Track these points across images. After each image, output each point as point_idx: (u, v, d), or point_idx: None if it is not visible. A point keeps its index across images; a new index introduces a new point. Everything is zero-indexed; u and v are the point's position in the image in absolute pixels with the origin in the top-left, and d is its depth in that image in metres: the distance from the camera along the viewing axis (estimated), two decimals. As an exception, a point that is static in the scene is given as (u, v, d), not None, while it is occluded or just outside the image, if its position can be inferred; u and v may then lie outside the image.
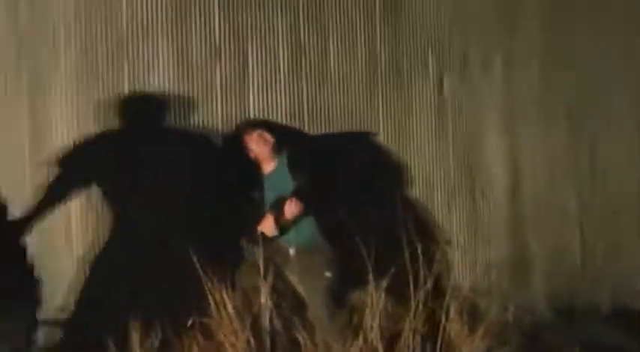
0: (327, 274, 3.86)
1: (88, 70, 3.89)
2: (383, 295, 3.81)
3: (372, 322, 3.74)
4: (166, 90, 4.04)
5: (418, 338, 3.77)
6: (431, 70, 4.84)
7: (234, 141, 4.11)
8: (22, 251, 3.70)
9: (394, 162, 4.67)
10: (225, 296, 3.73)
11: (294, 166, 3.95)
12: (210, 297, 3.72)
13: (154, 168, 3.96)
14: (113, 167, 3.89)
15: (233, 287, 3.82)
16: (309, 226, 3.91)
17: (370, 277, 3.77)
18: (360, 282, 3.88)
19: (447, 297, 3.95)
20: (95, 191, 3.85)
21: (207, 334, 3.74)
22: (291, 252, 3.93)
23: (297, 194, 3.84)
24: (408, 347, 3.74)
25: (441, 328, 3.83)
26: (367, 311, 3.79)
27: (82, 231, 3.83)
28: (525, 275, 5.05)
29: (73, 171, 3.83)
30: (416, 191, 4.76)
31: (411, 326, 3.77)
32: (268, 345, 3.79)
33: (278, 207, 3.84)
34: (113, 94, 3.94)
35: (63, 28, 3.84)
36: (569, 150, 5.38)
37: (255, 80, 4.29)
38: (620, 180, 5.54)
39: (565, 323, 4.85)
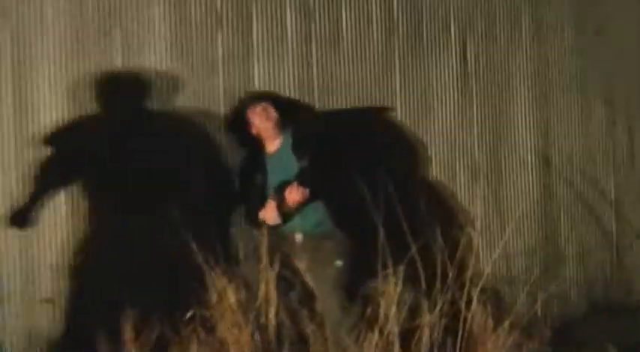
0: (338, 263, 3.83)
1: (76, 44, 3.88)
2: (400, 284, 3.81)
3: (388, 313, 3.74)
4: (163, 63, 4.03)
5: (439, 331, 3.78)
6: (453, 37, 4.82)
7: (237, 117, 4.06)
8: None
9: (412, 140, 4.64)
10: (227, 287, 3.75)
11: (298, 146, 3.91)
12: (211, 288, 3.73)
13: (147, 152, 3.94)
14: (103, 153, 3.88)
15: (236, 277, 3.79)
16: (316, 211, 3.87)
17: (386, 265, 3.76)
18: (375, 271, 3.86)
19: (470, 287, 3.93)
20: (83, 178, 3.85)
21: (209, 328, 3.75)
22: (298, 238, 3.89)
23: (300, 178, 3.80)
24: (428, 341, 3.76)
25: (463, 320, 3.83)
26: (382, 301, 3.79)
27: (70, 218, 3.84)
28: (556, 264, 5.04)
29: (60, 157, 3.82)
30: (436, 172, 4.73)
31: (431, 318, 3.78)
32: (274, 340, 3.76)
33: (281, 193, 3.81)
34: (104, 71, 3.92)
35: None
36: (605, 128, 5.38)
37: (260, 49, 4.27)
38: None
39: (599, 315, 4.86)
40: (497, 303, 4.16)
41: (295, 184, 3.77)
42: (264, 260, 3.78)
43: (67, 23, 3.86)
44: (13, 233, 3.76)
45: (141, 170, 3.92)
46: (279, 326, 3.78)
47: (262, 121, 3.96)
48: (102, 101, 3.91)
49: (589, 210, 5.22)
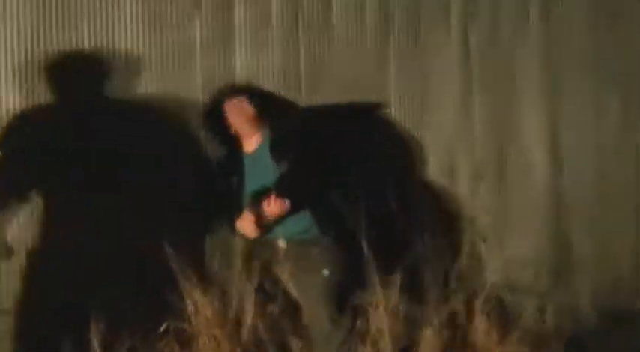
0: (325, 271, 3.77)
1: (39, 25, 3.78)
2: (396, 294, 3.78)
3: (382, 325, 3.74)
4: (134, 48, 3.95)
5: (438, 346, 3.81)
6: (453, 21, 4.80)
7: (214, 111, 3.97)
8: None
9: (407, 138, 4.60)
10: (204, 297, 3.70)
11: (276, 148, 3.84)
12: (187, 298, 3.68)
13: (115, 145, 3.87)
14: (67, 144, 3.79)
15: (212, 286, 3.75)
16: (300, 219, 3.81)
17: (379, 273, 3.74)
18: (367, 281, 3.82)
19: (473, 297, 3.97)
20: (45, 173, 3.77)
21: (184, 341, 3.71)
22: (281, 244, 3.82)
23: (279, 187, 3.73)
24: (427, 355, 3.78)
25: (466, 333, 3.89)
26: (375, 312, 3.77)
27: (30, 219, 3.74)
28: (567, 272, 5.04)
29: (18, 150, 3.74)
30: (435, 173, 4.69)
31: (430, 331, 3.79)
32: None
33: (258, 203, 3.74)
34: (69, 54, 3.83)
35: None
36: (621, 123, 5.39)
37: (242, 35, 4.20)
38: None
39: (614, 327, 4.85)
40: (502, 315, 4.16)
41: (273, 196, 3.68)
42: (240, 269, 3.74)
43: (28, 4, 3.75)
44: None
45: (111, 166, 3.84)
46: (259, 341, 3.73)
47: (235, 117, 3.88)
48: (65, 85, 3.83)
49: (603, 215, 5.26)
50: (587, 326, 4.83)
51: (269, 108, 3.99)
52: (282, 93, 4.25)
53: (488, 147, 4.86)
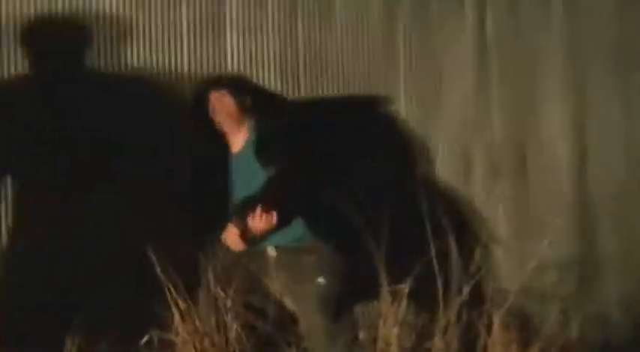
0: (320, 280, 3.70)
1: None
2: (403, 303, 3.72)
3: (390, 338, 3.70)
4: (114, 29, 3.88)
5: None
6: (467, 9, 4.79)
7: (200, 103, 3.89)
8: None
9: (415, 133, 4.56)
10: (191, 306, 3.63)
11: (262, 148, 3.78)
12: (172, 308, 3.60)
13: (91, 130, 3.79)
14: (37, 130, 3.70)
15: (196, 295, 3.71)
16: (292, 228, 3.77)
17: (385, 281, 3.70)
18: (371, 290, 3.80)
19: (491, 306, 3.90)
20: (13, 163, 3.72)
21: None
22: (271, 252, 3.76)
23: (265, 193, 3.70)
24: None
25: (483, 346, 3.81)
26: (382, 323, 3.71)
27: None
28: (593, 276, 5.02)
29: None
30: (448, 170, 4.65)
31: (443, 343, 3.74)
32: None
33: (243, 214, 3.69)
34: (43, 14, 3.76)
35: None
36: None
37: (234, 17, 4.15)
38: None
39: None
40: (523, 325, 4.08)
41: (258, 210, 3.64)
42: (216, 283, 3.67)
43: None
44: None
45: (85, 154, 3.77)
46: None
47: (216, 112, 3.80)
48: (38, 51, 3.77)
49: (631, 213, 5.26)
50: (616, 335, 4.83)
51: (257, 103, 3.93)
52: (279, 84, 4.21)
53: (507, 143, 4.83)
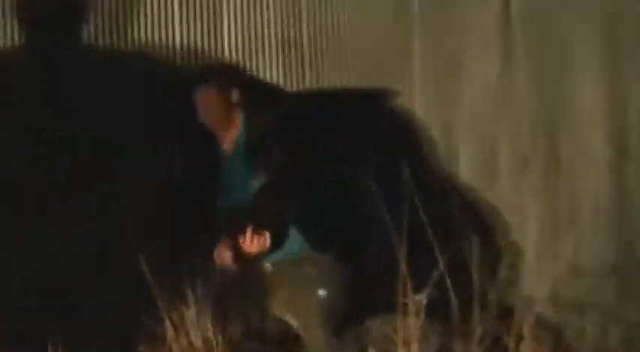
0: (321, 293, 3.68)
1: None
2: (422, 316, 3.63)
3: None
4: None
5: None
6: None
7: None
8: None
9: (426, 123, 4.43)
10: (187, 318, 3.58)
11: (253, 151, 3.73)
12: (166, 320, 3.56)
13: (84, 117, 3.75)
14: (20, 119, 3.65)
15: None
16: (290, 242, 3.72)
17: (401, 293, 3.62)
18: (379, 301, 3.73)
19: (520, 317, 3.80)
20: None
21: None
22: (267, 267, 3.76)
23: (257, 209, 3.64)
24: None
25: None
26: (398, 338, 3.64)
27: None
28: (634, 283, 4.86)
29: None
30: (469, 164, 4.56)
31: None
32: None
33: (233, 235, 3.66)
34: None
35: None
36: None
37: None
38: None
39: None
40: (555, 337, 4.13)
41: (249, 232, 3.59)
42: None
43: None
44: None
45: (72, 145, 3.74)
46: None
47: (202, 114, 3.75)
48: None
49: None
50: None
51: (248, 96, 3.86)
52: (281, 69, 4.13)
53: (535, 134, 4.71)
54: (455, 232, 3.95)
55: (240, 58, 4.06)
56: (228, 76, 3.94)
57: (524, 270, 4.54)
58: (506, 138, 4.67)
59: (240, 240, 3.64)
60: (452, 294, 3.68)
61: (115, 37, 3.90)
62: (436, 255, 3.71)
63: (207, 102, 3.77)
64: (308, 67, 4.23)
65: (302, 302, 3.72)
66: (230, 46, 4.04)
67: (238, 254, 3.68)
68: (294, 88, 4.20)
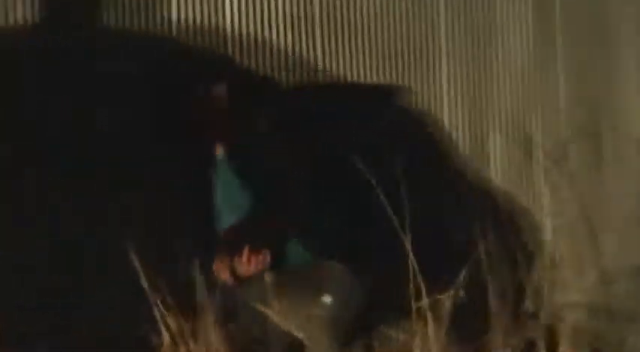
0: (326, 300, 3.63)
1: None
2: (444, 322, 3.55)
3: None
4: None
5: None
6: None
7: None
8: None
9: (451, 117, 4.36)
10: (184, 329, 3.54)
11: (242, 161, 3.77)
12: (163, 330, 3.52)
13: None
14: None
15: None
16: (291, 255, 3.75)
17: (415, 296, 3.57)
18: (394, 306, 3.68)
19: (553, 324, 3.79)
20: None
21: None
22: (267, 277, 3.72)
23: (253, 227, 3.67)
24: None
25: None
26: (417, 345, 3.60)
27: None
28: None
29: None
30: (502, 163, 4.49)
31: None
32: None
33: (229, 251, 3.66)
34: None
35: None
36: None
37: None
38: None
39: None
40: (594, 347, 3.97)
41: (246, 252, 3.59)
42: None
43: None
44: None
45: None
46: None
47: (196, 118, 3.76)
48: None
49: None
50: None
51: (238, 95, 3.82)
52: (290, 48, 4.05)
53: (575, 124, 4.62)
54: (483, 232, 3.82)
55: (245, 34, 4.01)
56: (213, 71, 3.93)
57: (562, 274, 4.33)
58: (543, 133, 4.62)
59: (236, 261, 3.66)
60: (477, 298, 3.59)
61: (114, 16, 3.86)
62: (460, 257, 3.66)
63: (202, 107, 3.77)
64: (320, 40, 4.17)
65: (305, 310, 3.67)
66: (232, 21, 3.98)
67: (234, 273, 3.70)
68: (304, 73, 4.14)
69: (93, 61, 3.86)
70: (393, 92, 4.39)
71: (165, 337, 3.48)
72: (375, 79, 4.28)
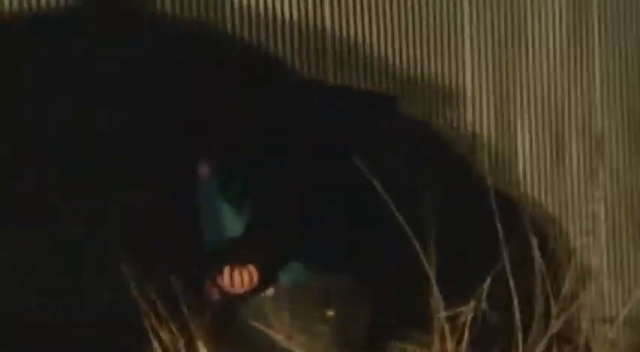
0: (329, 313, 3.58)
1: None
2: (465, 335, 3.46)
3: None
4: None
5: None
6: None
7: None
8: None
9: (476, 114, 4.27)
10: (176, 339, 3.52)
11: (228, 183, 3.65)
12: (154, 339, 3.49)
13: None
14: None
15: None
16: (287, 271, 3.66)
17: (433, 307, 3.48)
18: (406, 320, 3.69)
19: (587, 338, 3.84)
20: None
21: None
22: (267, 292, 3.68)
23: (244, 249, 3.57)
24: None
25: None
26: None
27: None
28: None
29: None
30: (532, 162, 4.39)
31: None
32: None
33: (217, 269, 3.57)
34: None
35: None
36: None
37: None
38: None
39: None
40: None
41: (228, 270, 3.51)
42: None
43: None
44: None
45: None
46: None
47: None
48: None
49: None
50: None
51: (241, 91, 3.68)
52: (296, 37, 3.93)
53: (612, 126, 4.52)
54: (510, 237, 3.67)
55: (253, 35, 3.92)
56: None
57: (596, 285, 4.34)
58: (577, 127, 4.52)
59: (226, 275, 3.56)
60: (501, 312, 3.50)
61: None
62: (477, 268, 3.56)
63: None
64: (330, 42, 4.06)
65: (309, 326, 3.62)
66: (234, 16, 3.86)
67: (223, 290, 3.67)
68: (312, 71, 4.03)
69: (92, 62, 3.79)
70: (390, 100, 4.31)
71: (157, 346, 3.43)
72: (398, 65, 4.12)
